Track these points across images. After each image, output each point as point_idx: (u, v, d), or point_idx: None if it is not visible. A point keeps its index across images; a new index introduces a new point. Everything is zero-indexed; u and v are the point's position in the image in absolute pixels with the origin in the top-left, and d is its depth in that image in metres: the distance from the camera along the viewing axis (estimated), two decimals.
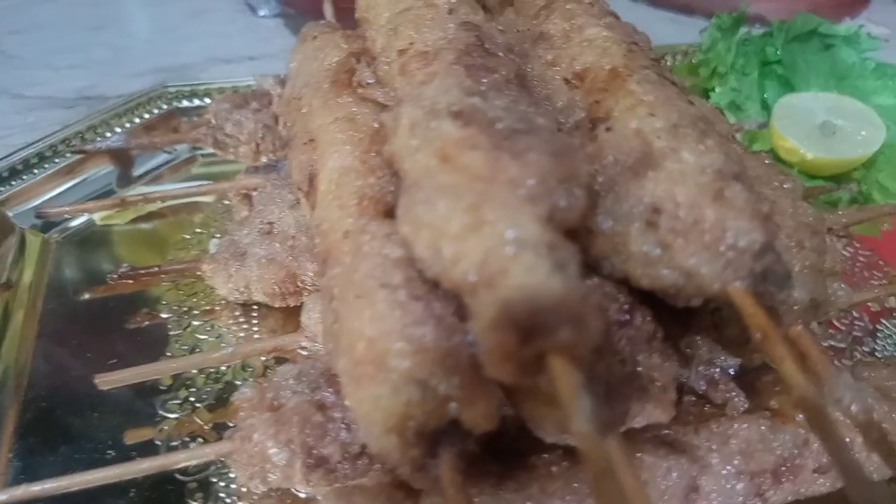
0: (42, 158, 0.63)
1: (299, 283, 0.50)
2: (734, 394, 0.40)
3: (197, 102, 0.70)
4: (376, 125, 0.44)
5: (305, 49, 0.53)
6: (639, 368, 0.38)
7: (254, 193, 0.58)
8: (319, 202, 0.42)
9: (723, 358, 0.42)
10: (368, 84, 0.46)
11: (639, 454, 0.38)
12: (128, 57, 0.86)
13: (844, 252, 0.64)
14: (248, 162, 0.63)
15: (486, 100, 0.35)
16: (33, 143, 0.62)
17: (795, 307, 0.38)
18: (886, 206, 0.62)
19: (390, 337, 0.33)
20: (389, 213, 0.38)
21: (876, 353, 0.55)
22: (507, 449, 0.39)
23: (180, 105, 0.70)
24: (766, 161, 0.45)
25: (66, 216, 0.58)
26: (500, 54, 0.42)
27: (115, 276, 0.54)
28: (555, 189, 0.31)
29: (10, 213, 0.59)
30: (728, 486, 0.38)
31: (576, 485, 0.37)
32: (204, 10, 0.95)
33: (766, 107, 0.74)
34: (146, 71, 0.83)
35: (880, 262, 0.64)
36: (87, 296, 0.56)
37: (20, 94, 0.79)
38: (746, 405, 0.41)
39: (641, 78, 0.40)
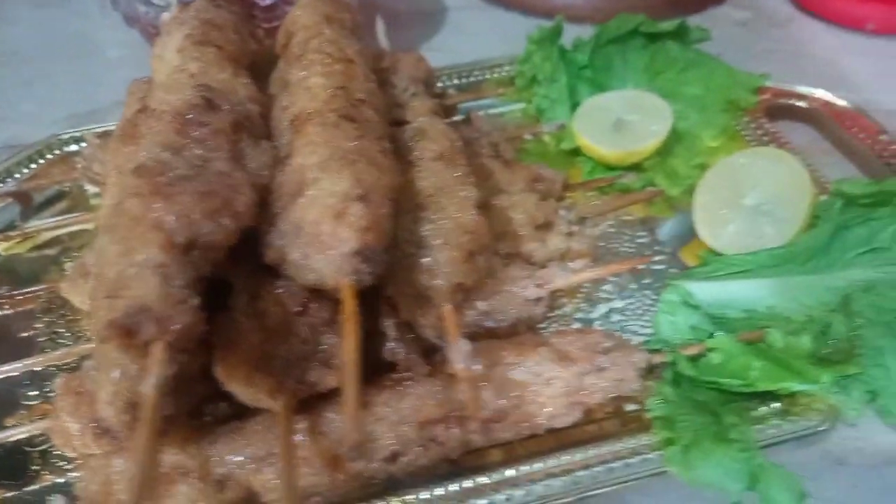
0: None
1: None
2: (415, 362, 0.51)
3: (84, 146, 0.84)
4: None
5: (126, 105, 0.66)
6: (322, 346, 0.49)
7: None
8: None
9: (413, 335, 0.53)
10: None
11: (326, 413, 0.50)
12: (49, 107, 1.00)
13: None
14: None
15: (178, 153, 0.47)
16: None
17: (441, 292, 0.49)
18: (638, 194, 0.72)
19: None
20: None
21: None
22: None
23: (71, 149, 0.84)
24: (456, 174, 0.56)
25: None
26: (226, 107, 0.53)
27: None
28: (198, 219, 0.43)
29: None
30: (399, 431, 0.49)
31: (268, 437, 0.49)
32: (121, 58, 1.09)
33: (575, 109, 0.83)
34: (61, 119, 0.97)
35: (656, 246, 0.73)
36: None
37: None
38: (427, 370, 0.52)
39: (321, 121, 0.51)
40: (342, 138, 0.49)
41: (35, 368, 0.62)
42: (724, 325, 0.61)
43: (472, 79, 0.91)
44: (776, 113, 0.85)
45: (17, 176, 0.81)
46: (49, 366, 0.63)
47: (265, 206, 0.50)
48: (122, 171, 0.56)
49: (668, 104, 0.80)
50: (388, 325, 0.52)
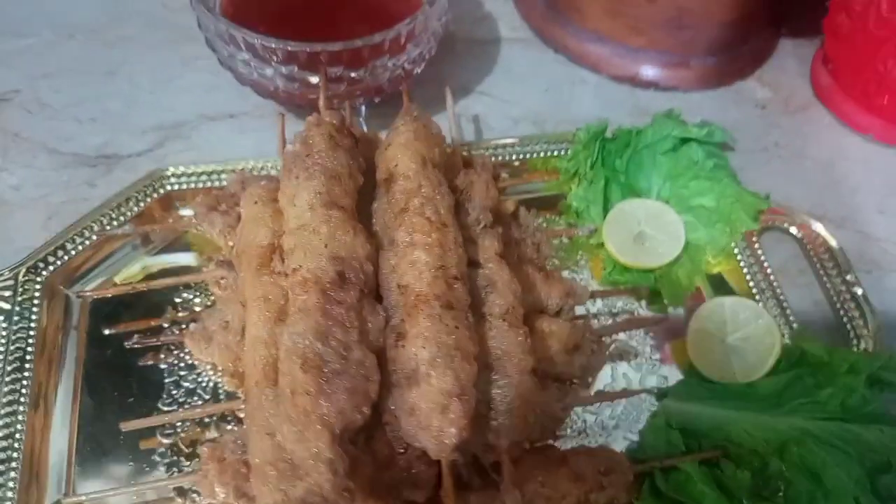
0: (78, 235, 0.91)
1: None
2: (475, 480, 0.72)
3: (184, 183, 0.97)
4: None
5: (249, 212, 0.79)
6: (414, 472, 0.69)
7: (222, 281, 0.86)
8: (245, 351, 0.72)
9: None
10: (280, 272, 0.73)
11: None
12: (134, 110, 1.08)
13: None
14: (223, 248, 0.90)
15: (326, 341, 0.63)
16: (70, 228, 0.90)
17: (502, 449, 0.69)
18: (646, 319, 0.90)
19: (266, 465, 0.64)
20: None
21: None
22: None
23: (172, 186, 0.97)
24: (520, 338, 0.73)
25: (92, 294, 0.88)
26: (354, 280, 0.69)
27: (128, 342, 0.85)
28: (348, 413, 0.61)
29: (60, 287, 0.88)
30: None
31: None
32: (195, 55, 1.15)
33: (606, 208, 0.98)
34: (149, 128, 1.07)
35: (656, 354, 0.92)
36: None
37: (54, 148, 1.04)
38: (481, 483, 0.72)
39: (430, 312, 0.67)
40: (444, 333, 0.66)
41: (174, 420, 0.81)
42: (692, 443, 0.82)
43: (519, 156, 1.04)
44: (770, 225, 1.01)
45: (128, 214, 0.94)
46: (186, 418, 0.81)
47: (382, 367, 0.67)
48: (262, 304, 0.72)
49: (682, 219, 0.96)
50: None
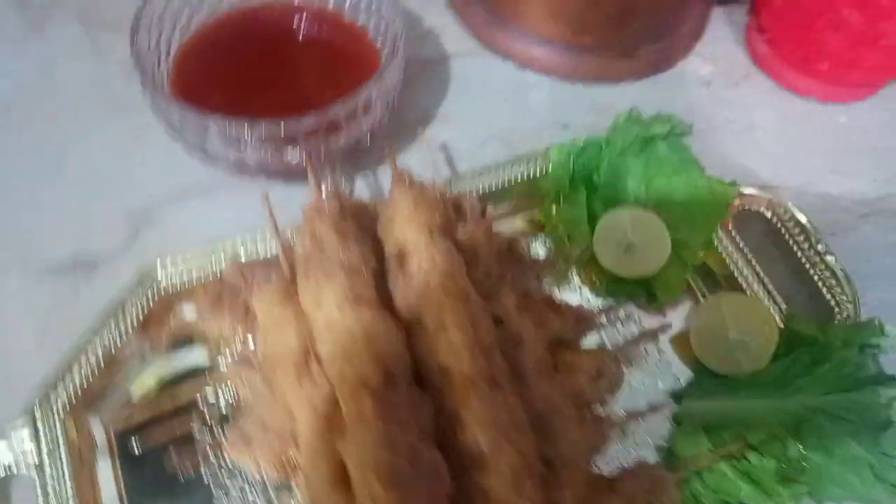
0: (85, 360, 0.88)
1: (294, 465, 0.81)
2: None
3: (177, 280, 0.94)
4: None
5: (267, 317, 0.79)
6: None
7: (244, 378, 0.86)
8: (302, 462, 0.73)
9: None
10: (320, 376, 0.74)
11: None
12: (100, 201, 1.02)
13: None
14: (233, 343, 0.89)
15: (394, 448, 0.65)
16: (75, 352, 0.87)
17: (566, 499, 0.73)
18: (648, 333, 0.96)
19: None
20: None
21: None
22: None
23: (168, 290, 0.94)
24: (556, 388, 0.77)
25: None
26: (398, 374, 0.70)
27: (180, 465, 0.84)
28: None
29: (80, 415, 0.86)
30: None
31: None
32: (143, 125, 1.06)
33: (593, 227, 1.01)
34: (120, 220, 1.02)
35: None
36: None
37: (24, 260, 0.99)
38: None
39: (478, 394, 0.69)
40: (498, 411, 0.69)
41: None
42: (715, 439, 0.89)
43: (497, 184, 1.05)
44: (740, 208, 1.07)
45: (129, 326, 0.91)
46: None
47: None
48: (311, 415, 0.73)
49: (664, 224, 1.00)
50: None
